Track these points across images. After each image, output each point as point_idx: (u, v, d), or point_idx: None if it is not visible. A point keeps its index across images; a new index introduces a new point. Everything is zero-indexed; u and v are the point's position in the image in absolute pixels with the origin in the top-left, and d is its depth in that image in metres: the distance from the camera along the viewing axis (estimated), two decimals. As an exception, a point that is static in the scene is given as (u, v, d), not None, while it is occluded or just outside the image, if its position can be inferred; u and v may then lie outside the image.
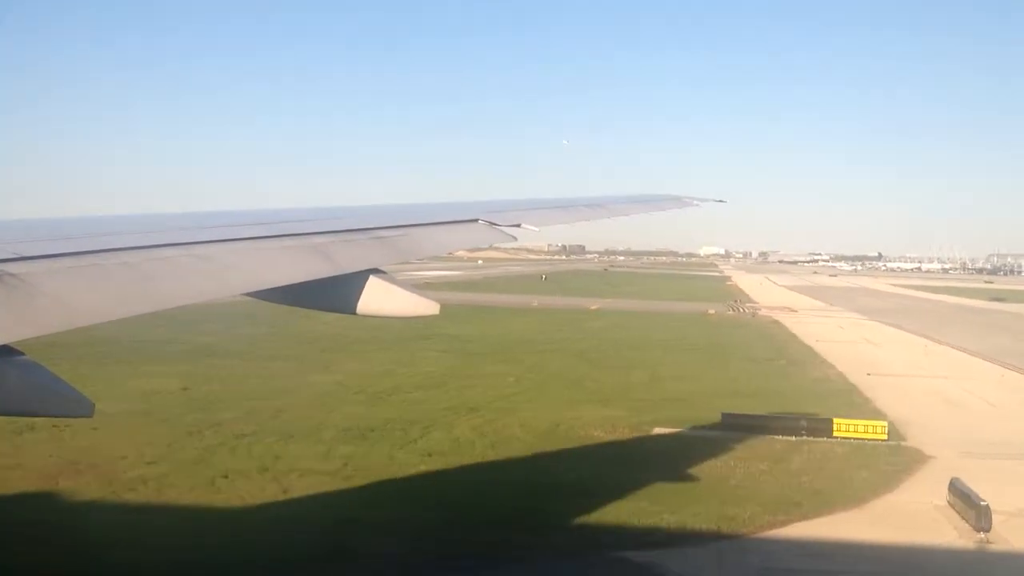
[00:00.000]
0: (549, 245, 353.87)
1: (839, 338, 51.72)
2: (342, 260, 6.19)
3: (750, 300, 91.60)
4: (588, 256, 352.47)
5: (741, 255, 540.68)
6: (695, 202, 12.31)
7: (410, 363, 37.62)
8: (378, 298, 6.29)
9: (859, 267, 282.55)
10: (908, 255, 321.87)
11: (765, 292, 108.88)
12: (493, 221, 8.25)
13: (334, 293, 6.29)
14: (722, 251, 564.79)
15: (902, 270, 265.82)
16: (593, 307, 75.12)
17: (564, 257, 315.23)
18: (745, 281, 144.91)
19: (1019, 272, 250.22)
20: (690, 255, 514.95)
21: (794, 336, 53.27)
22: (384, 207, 9.33)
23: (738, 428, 24.37)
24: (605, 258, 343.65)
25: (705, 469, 20.79)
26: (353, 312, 6.33)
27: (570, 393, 31.34)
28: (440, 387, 31.78)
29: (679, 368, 38.33)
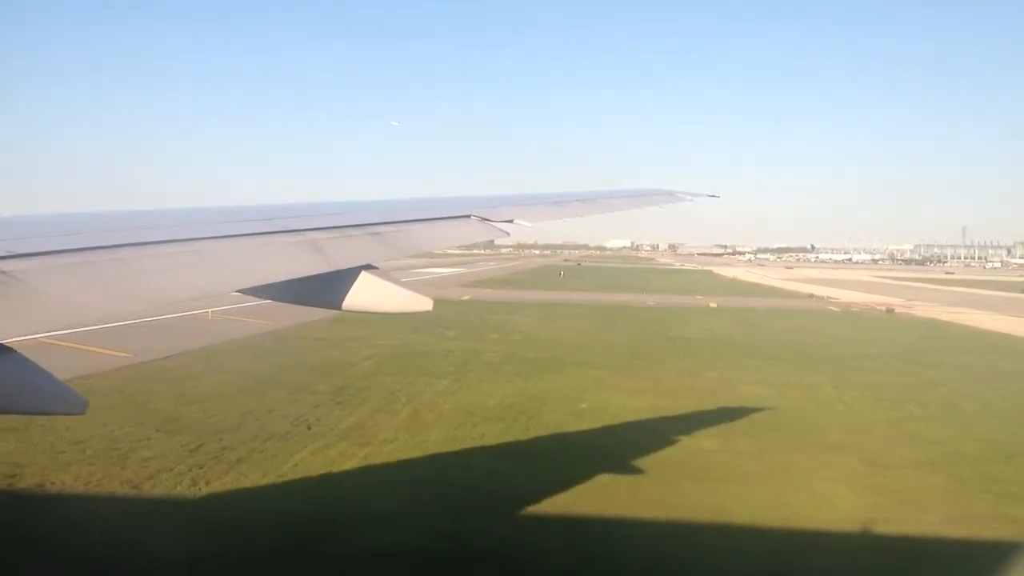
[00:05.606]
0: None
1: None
2: (338, 256, 6.05)
3: (811, 296, 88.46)
4: (502, 251, 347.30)
5: (649, 247, 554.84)
6: (688, 197, 11.84)
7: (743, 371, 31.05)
8: (371, 293, 6.24)
9: (787, 258, 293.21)
10: (836, 246, 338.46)
11: (804, 287, 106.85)
12: (486, 216, 8.02)
13: (327, 289, 6.16)
14: (629, 243, 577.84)
15: (834, 261, 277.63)
16: (711, 304, 70.07)
17: (482, 251, 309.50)
18: (741, 275, 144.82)
19: (947, 261, 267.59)
20: (600, 247, 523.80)
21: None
22: (377, 202, 8.79)
23: None
24: (518, 251, 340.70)
25: None
26: (339, 308, 6.27)
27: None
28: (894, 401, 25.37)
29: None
